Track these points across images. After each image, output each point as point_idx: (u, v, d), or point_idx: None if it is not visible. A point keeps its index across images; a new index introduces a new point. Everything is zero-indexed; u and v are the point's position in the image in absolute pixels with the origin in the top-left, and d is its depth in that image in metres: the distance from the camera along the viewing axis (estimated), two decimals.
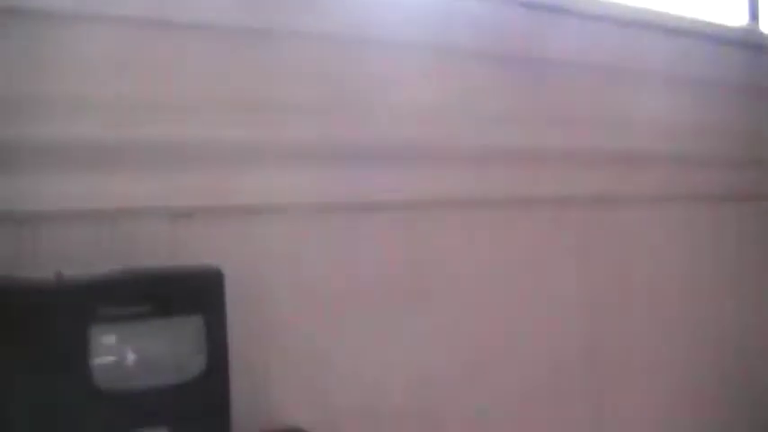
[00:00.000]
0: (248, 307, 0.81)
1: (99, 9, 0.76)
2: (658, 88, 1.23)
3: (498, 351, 1.04)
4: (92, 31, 0.76)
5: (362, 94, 0.93)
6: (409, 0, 0.99)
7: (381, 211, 0.95)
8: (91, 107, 0.76)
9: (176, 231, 0.80)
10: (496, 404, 1.03)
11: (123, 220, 0.77)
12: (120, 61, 0.78)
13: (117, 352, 0.64)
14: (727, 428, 1.26)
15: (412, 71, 0.97)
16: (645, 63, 1.21)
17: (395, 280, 0.96)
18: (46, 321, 0.61)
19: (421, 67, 0.98)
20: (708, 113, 1.28)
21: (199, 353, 0.66)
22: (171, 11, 0.80)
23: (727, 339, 1.31)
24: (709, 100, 1.29)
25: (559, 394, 1.11)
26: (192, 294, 0.67)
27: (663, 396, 1.21)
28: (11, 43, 0.72)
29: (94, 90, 0.76)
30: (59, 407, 0.61)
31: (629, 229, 1.21)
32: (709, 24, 1.34)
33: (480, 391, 1.02)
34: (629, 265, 1.21)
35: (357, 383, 0.92)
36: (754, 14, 1.47)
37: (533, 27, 1.09)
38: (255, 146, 0.86)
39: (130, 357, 0.64)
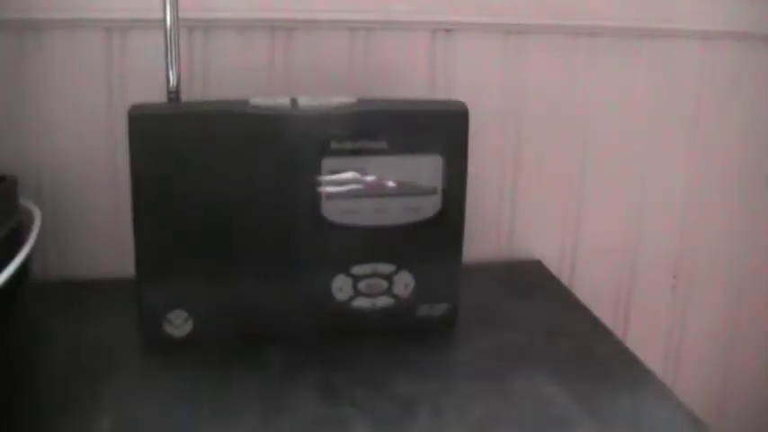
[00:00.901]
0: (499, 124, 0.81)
1: None
2: None
3: None
4: None
5: None
6: None
7: None
8: None
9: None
10: None
11: None
12: None
13: (347, 187, 0.62)
14: None
15: None
16: None
17: None
18: (280, 148, 0.60)
19: None
20: None
21: (434, 194, 0.64)
22: None
23: None
24: None
25: None
26: (434, 134, 0.63)
27: None
28: None
29: None
30: (282, 236, 0.62)
31: None
32: None
33: None
34: None
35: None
36: None
37: None
38: None
39: (361, 193, 0.63)
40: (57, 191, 0.74)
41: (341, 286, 0.65)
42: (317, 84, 0.76)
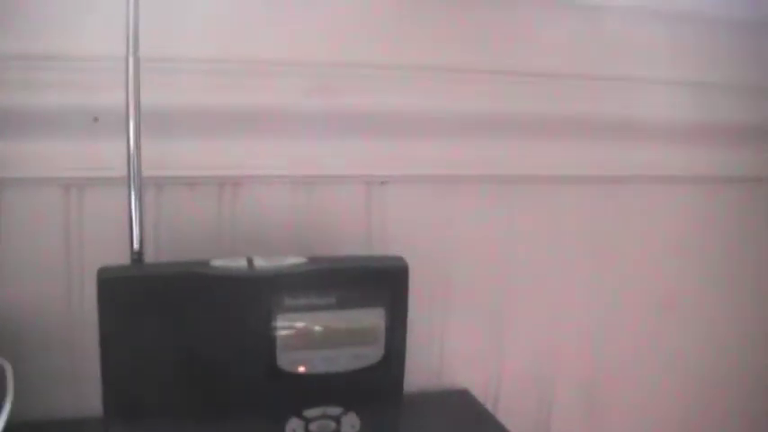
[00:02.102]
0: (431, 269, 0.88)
1: None
2: None
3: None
4: None
5: None
6: None
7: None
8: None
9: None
10: None
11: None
12: None
13: (300, 339, 0.68)
14: None
15: None
16: None
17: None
18: (239, 306, 0.66)
19: None
20: None
21: (377, 343, 0.70)
22: None
23: None
24: None
25: None
26: (377, 289, 0.70)
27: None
28: None
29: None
30: (241, 383, 0.67)
31: None
32: None
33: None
34: None
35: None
36: None
37: None
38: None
39: (313, 344, 0.69)
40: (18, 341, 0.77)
41: (294, 428, 0.70)
42: (264, 234, 0.82)
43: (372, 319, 0.70)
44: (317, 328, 0.69)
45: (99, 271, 0.64)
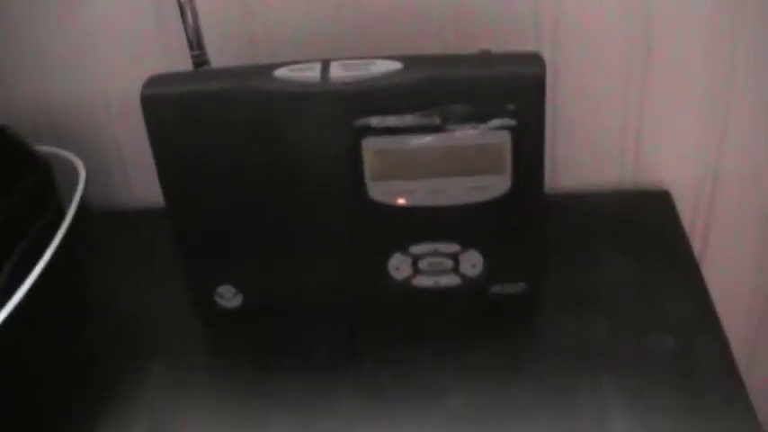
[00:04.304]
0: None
1: None
2: None
3: None
4: None
5: None
6: None
7: None
8: None
9: None
10: None
11: None
12: None
13: (395, 167, 0.53)
14: None
15: None
16: None
17: None
18: (311, 128, 0.52)
19: None
20: None
21: (500, 172, 0.53)
22: None
23: None
24: None
25: None
26: (499, 103, 0.50)
27: None
28: None
29: None
30: (331, 212, 0.55)
31: None
32: None
33: None
34: None
35: None
36: None
37: None
38: None
39: (412, 173, 0.54)
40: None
41: (398, 265, 0.58)
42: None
43: (492, 142, 0.52)
44: (416, 153, 0.52)
45: (145, 83, 0.52)
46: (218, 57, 0.58)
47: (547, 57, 0.52)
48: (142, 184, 0.74)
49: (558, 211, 0.67)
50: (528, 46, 0.64)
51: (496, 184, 0.54)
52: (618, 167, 0.72)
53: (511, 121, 0.51)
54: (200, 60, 0.56)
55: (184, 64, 0.57)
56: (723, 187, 0.73)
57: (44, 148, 0.63)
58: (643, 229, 0.68)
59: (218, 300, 0.60)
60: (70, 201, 0.60)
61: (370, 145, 0.52)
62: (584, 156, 0.71)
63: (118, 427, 0.54)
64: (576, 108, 0.68)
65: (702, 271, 0.63)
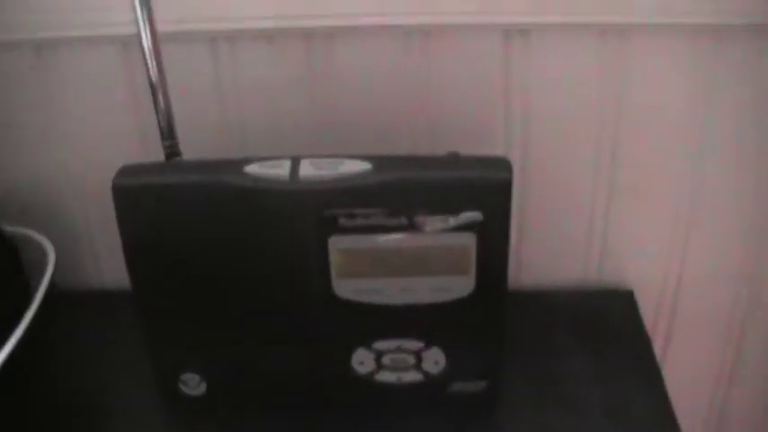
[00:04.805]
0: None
1: None
2: None
3: None
4: None
5: None
6: None
7: None
8: None
9: None
10: None
11: None
12: None
13: (360, 265, 0.54)
14: None
15: None
16: None
17: None
18: (279, 224, 0.52)
19: None
20: None
21: (465, 273, 0.53)
22: None
23: None
24: None
25: None
26: (466, 206, 0.51)
27: None
28: None
29: None
30: (296, 306, 0.56)
31: None
32: None
33: None
34: None
35: None
36: None
37: None
38: None
39: (377, 272, 0.54)
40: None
41: (361, 360, 0.58)
42: (365, 101, 0.65)
43: (457, 244, 0.53)
44: (381, 253, 0.53)
45: (117, 173, 0.53)
46: (190, 146, 0.59)
47: (517, 158, 0.53)
48: (112, 268, 0.74)
49: (522, 308, 0.68)
50: (498, 147, 0.66)
51: (461, 285, 0.54)
52: (582, 266, 0.73)
53: (477, 223, 0.52)
54: (172, 151, 0.57)
55: (158, 154, 0.58)
56: (686, 289, 0.74)
57: (12, 229, 0.63)
58: (606, 327, 0.69)
59: (183, 387, 0.60)
60: (39, 282, 0.60)
61: (336, 243, 0.53)
62: (549, 254, 0.73)
63: None
64: (543, 208, 0.70)
65: (664, 368, 0.64)
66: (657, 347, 0.75)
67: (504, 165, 0.53)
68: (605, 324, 0.70)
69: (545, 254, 0.72)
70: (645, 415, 0.60)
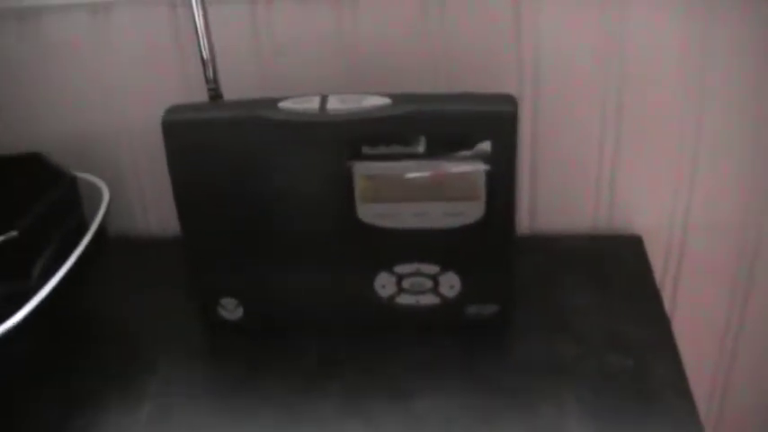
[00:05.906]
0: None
1: None
2: None
3: None
4: None
5: None
6: None
7: None
8: None
9: None
10: None
11: None
12: None
13: (381, 191, 0.60)
14: None
15: None
16: None
17: None
18: (309, 153, 0.59)
19: None
20: None
21: (475, 199, 0.59)
22: None
23: None
24: None
25: None
26: (476, 137, 0.57)
27: None
28: None
29: None
30: (324, 231, 0.62)
31: None
32: None
33: None
34: None
35: None
36: None
37: None
38: None
39: (396, 197, 0.60)
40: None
41: (384, 283, 0.64)
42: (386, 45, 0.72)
43: (468, 171, 0.59)
44: (400, 178, 0.59)
45: (166, 111, 0.60)
46: (231, 91, 0.66)
47: (527, 94, 0.58)
48: (158, 212, 0.81)
49: (534, 251, 0.74)
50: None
51: (471, 211, 0.60)
52: (592, 212, 0.79)
53: (486, 153, 0.58)
54: (214, 93, 0.63)
55: (201, 96, 0.65)
56: (693, 233, 0.79)
57: (72, 172, 0.70)
58: (614, 268, 0.74)
59: (221, 311, 0.66)
60: (93, 220, 0.67)
61: (360, 169, 0.59)
62: (560, 201, 0.78)
63: (125, 411, 0.60)
64: (553, 157, 0.75)
65: (674, 316, 0.69)
66: (666, 294, 0.80)
67: (510, 100, 0.58)
68: (614, 264, 0.75)
69: (556, 200, 0.78)
70: (645, 343, 0.64)
